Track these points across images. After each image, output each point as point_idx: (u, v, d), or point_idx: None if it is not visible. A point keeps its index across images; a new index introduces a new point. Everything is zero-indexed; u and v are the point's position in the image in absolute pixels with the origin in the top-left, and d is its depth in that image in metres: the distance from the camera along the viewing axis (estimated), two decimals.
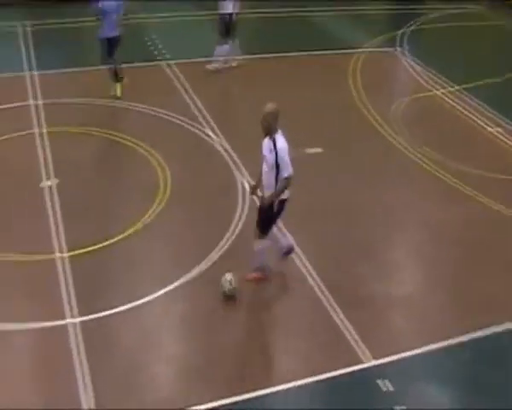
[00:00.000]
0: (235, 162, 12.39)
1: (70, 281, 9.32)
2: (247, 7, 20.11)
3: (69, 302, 8.95)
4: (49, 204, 10.97)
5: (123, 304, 8.96)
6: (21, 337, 8.51)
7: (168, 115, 14.05)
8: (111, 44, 14.45)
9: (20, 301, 9.05)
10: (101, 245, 10.01)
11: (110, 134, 13.23)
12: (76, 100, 14.40)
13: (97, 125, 13.50)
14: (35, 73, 15.71)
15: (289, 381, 8.00)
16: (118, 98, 14.58)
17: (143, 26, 19.32)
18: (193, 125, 13.71)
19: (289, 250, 9.70)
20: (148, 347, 8.47)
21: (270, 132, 8.81)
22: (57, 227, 10.40)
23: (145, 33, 18.53)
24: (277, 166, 8.74)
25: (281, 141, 8.76)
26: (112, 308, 8.88)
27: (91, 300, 9.04)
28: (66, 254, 9.82)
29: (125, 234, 10.29)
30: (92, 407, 7.53)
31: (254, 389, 7.86)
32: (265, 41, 19.07)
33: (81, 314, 8.77)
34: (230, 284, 9.08)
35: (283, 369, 8.27)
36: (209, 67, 16.26)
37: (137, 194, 11.40)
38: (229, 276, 9.12)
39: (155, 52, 17.38)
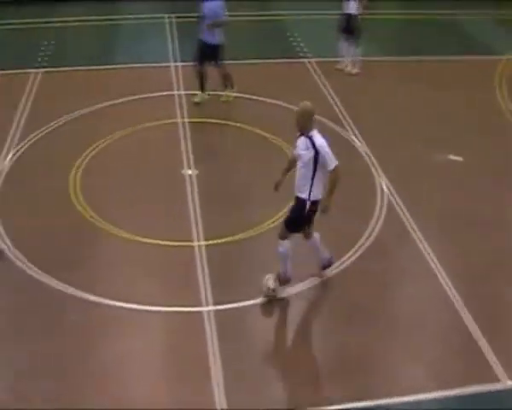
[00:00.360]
0: (374, 165, 12.22)
1: (206, 269, 9.46)
2: (384, 8, 19.98)
3: (205, 290, 9.09)
4: (189, 192, 11.22)
5: (255, 297, 8.99)
6: (157, 320, 8.72)
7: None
8: (203, 49, 13.89)
9: (157, 284, 9.27)
10: (237, 237, 10.11)
11: (248, 127, 13.35)
12: (216, 92, 14.60)
13: (236, 118, 13.69)
14: (179, 64, 16.07)
15: (415, 392, 7.76)
16: (196, 103, 14.20)
17: (286, 22, 19.40)
18: (334, 125, 13.62)
19: (329, 263, 9.37)
20: (277, 343, 8.50)
21: (305, 131, 8.58)
22: (196, 215, 10.60)
23: (288, 30, 18.59)
24: (315, 163, 8.49)
25: (319, 138, 8.53)
26: (244, 301, 8.94)
27: (226, 290, 9.14)
28: (203, 243, 9.99)
29: (262, 227, 10.34)
30: (222, 394, 7.59)
31: (379, 397, 7.68)
32: (404, 43, 18.78)
33: (215, 303, 8.88)
34: (268, 287, 8.90)
35: (409, 377, 8.01)
36: (352, 71, 16.09)
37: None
38: (267, 279, 8.92)
39: (297, 49, 17.43)
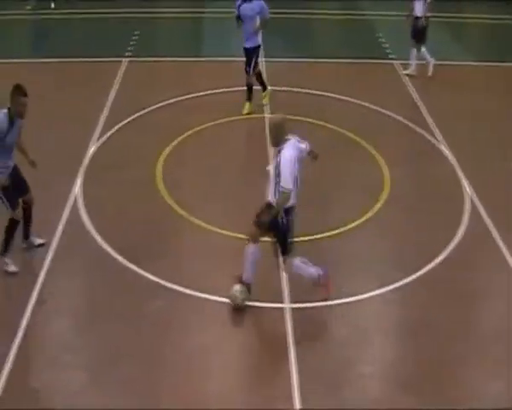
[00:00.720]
0: (460, 171, 11.96)
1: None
2: (473, 11, 19.54)
3: (284, 287, 9.04)
4: None
5: (336, 298, 8.91)
6: (238, 314, 8.70)
7: (394, 115, 13.90)
8: (247, 56, 13.52)
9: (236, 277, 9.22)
10: (320, 235, 10.04)
11: (332, 126, 13.27)
12: (300, 90, 14.58)
13: (320, 116, 13.58)
14: (264, 59, 16.09)
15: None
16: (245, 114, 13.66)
17: (373, 23, 19.22)
18: (418, 129, 13.44)
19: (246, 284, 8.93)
20: (356, 345, 8.37)
21: (277, 144, 8.34)
22: None
23: (376, 30, 18.39)
24: (278, 176, 8.21)
25: (286, 152, 8.20)
26: (325, 300, 8.85)
27: (306, 288, 9.02)
28: None
29: (344, 228, 10.24)
30: (299, 393, 7.54)
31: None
32: (492, 48, 18.41)
33: (294, 301, 8.83)
34: (240, 294, 8.64)
35: (491, 391, 7.74)
36: (429, 73, 15.86)
37: (358, 189, 11.32)
38: (236, 291, 8.67)
39: (387, 50, 17.25)
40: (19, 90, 8.70)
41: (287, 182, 8.20)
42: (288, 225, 8.51)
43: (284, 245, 8.61)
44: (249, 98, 13.70)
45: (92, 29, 18.45)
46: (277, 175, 8.25)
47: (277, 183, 8.25)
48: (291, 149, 8.31)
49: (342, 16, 18.63)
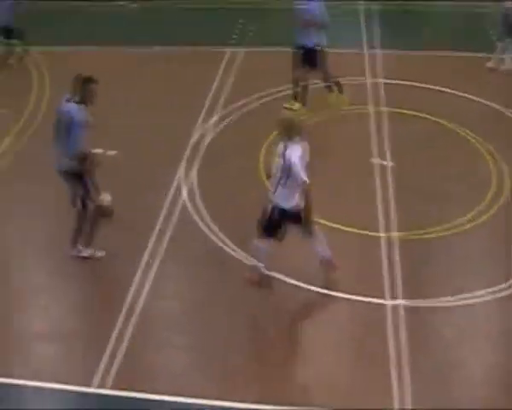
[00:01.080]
0: None
1: (395, 262, 9.25)
2: None
3: (391, 283, 8.89)
4: (378, 182, 11.02)
5: (447, 297, 8.71)
6: (339, 307, 8.70)
7: (506, 111, 13.40)
8: (310, 55, 12.85)
9: (341, 270, 9.01)
10: (431, 233, 9.83)
11: (444, 121, 12.91)
12: (414, 83, 14.27)
13: (433, 110, 13.20)
14: (374, 51, 15.81)
15: None
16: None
17: (485, 15, 18.59)
18: None
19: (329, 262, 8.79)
20: (465, 346, 8.14)
21: (284, 138, 8.23)
22: (386, 207, 10.39)
23: (487, 23, 17.72)
24: (282, 171, 8.18)
25: (292, 149, 8.12)
26: (435, 298, 8.68)
27: (415, 285, 8.93)
28: (393, 235, 9.78)
29: (457, 226, 9.98)
30: (406, 393, 7.38)
31: None
32: None
33: (404, 298, 8.67)
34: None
35: None
36: (488, 64, 15.23)
37: (470, 186, 10.98)
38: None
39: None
40: (91, 80, 8.87)
41: (300, 175, 8.15)
42: (274, 220, 8.49)
43: (263, 228, 8.59)
44: (339, 90, 13.35)
45: (198, 18, 18.56)
46: (282, 172, 8.22)
47: (280, 178, 8.25)
48: (297, 150, 8.20)
49: (458, 9, 18.03)
